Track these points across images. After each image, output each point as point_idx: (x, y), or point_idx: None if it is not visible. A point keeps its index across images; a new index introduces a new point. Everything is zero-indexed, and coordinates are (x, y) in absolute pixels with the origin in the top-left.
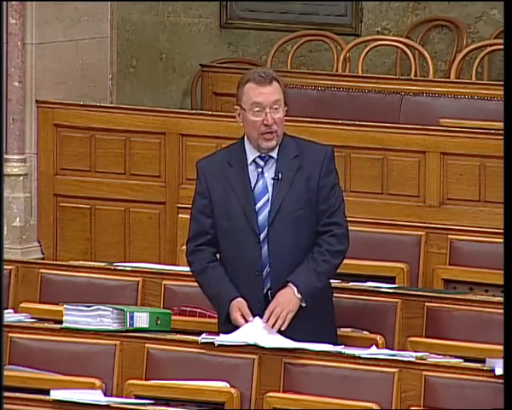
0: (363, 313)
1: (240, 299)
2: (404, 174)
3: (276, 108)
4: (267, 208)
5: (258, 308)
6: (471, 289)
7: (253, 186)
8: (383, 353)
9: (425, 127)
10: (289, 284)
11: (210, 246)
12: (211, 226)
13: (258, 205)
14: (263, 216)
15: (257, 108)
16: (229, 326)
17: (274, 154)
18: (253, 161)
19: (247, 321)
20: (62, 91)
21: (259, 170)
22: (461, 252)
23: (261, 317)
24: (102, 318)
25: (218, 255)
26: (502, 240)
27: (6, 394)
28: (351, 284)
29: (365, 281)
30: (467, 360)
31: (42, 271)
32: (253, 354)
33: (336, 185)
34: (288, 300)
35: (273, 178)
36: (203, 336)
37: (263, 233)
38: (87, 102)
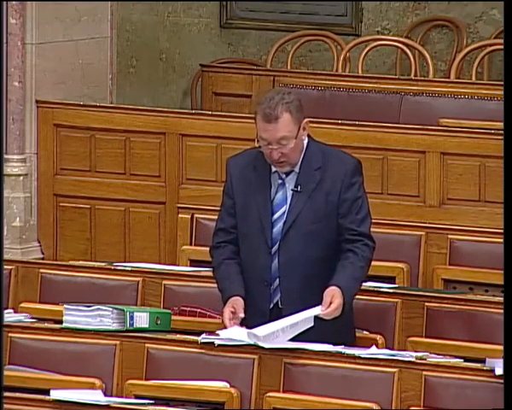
0: (363, 313)
1: (237, 297)
2: (404, 174)
3: (282, 144)
4: (283, 220)
5: (263, 320)
6: (471, 289)
7: (272, 196)
8: (383, 353)
9: (425, 127)
10: (339, 290)
11: (231, 244)
12: (234, 226)
13: (275, 216)
14: (278, 228)
15: (264, 142)
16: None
17: (297, 165)
18: (276, 170)
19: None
20: (62, 91)
21: (280, 181)
22: (461, 252)
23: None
24: (102, 318)
25: (237, 253)
26: (502, 240)
27: (6, 394)
28: None
29: (365, 281)
30: (467, 360)
31: (42, 271)
32: (253, 354)
33: (360, 199)
34: (341, 304)
35: (292, 190)
36: (203, 336)
37: (275, 245)
38: (87, 102)
